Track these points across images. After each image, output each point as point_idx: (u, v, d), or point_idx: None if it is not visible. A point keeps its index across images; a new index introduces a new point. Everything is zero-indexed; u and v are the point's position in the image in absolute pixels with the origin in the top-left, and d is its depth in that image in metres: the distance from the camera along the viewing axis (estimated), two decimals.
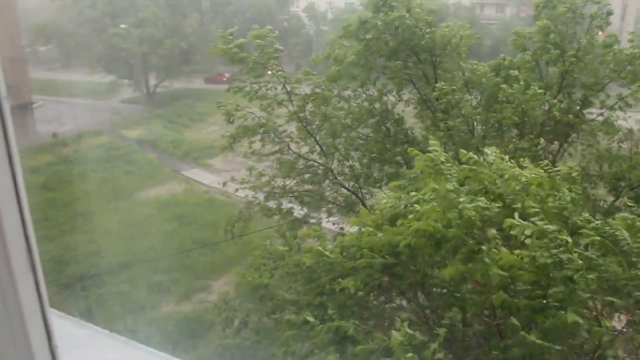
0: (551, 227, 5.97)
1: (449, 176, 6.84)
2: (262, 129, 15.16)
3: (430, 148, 7.30)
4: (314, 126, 15.64)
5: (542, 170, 7.07)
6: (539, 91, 12.27)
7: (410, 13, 14.30)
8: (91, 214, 29.43)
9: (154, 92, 56.78)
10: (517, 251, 6.16)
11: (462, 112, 14.12)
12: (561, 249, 5.92)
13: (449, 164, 7.04)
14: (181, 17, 56.71)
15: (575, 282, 5.90)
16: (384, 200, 7.59)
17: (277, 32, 15.93)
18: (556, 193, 6.75)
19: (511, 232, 6.08)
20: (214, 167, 34.86)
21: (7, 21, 52.08)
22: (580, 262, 5.89)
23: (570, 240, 5.96)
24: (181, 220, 28.79)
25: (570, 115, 13.78)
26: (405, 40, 14.53)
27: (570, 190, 6.96)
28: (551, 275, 6.26)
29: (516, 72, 13.34)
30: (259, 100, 15.15)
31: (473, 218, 6.27)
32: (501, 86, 12.93)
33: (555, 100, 12.94)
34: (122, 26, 51.78)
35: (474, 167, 6.77)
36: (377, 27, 14.54)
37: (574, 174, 7.61)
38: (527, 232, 5.90)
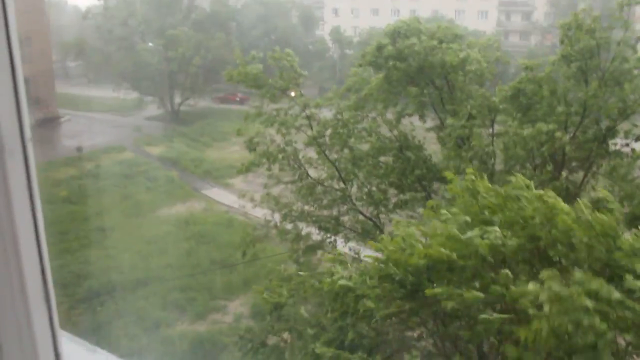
0: (567, 291, 5.31)
1: (482, 202, 6.66)
2: (281, 154, 15.12)
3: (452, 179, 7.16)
4: (334, 152, 15.57)
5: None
6: (550, 127, 11.86)
7: (421, 41, 14.22)
8: (111, 229, 29.64)
9: (178, 110, 57.48)
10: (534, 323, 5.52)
11: (474, 143, 13.92)
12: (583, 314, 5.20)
13: (485, 191, 6.82)
14: (208, 38, 57.49)
15: (599, 350, 5.29)
16: (406, 228, 7.45)
17: (301, 55, 15.95)
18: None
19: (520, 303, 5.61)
20: (235, 187, 34.95)
21: (40, 37, 53.33)
22: (604, 326, 5.22)
23: (590, 305, 5.19)
24: (200, 239, 28.82)
25: (593, 144, 13.45)
26: (419, 67, 14.46)
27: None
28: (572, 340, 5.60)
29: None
30: (278, 125, 15.12)
31: (482, 253, 6.10)
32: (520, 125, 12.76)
33: (567, 138, 12.49)
34: (149, 44, 52.72)
35: (515, 197, 6.53)
36: (391, 54, 14.51)
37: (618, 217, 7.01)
38: (543, 297, 5.33)
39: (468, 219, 6.46)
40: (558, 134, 12.03)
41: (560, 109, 13.09)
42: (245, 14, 69.28)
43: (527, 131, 10.84)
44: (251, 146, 14.98)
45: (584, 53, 13.42)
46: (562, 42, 14.07)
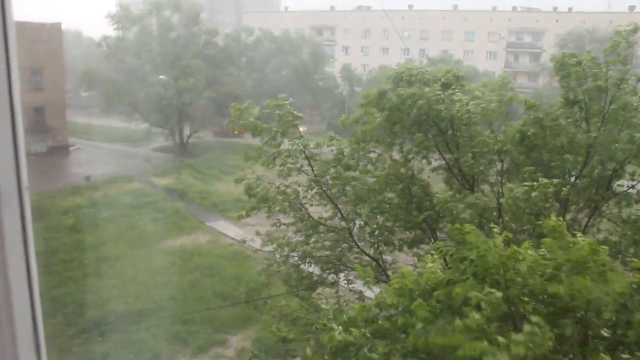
0: None
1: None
2: (281, 196, 15.07)
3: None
4: (335, 191, 15.47)
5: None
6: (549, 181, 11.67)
7: (424, 91, 13.96)
8: (116, 258, 29.59)
9: (187, 142, 57.94)
10: None
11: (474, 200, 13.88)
12: None
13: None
14: (219, 71, 58.26)
15: None
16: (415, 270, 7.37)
17: (311, 91, 15.96)
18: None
19: None
20: (240, 220, 35.01)
21: (54, 66, 54.24)
22: None
23: None
24: (204, 271, 28.69)
25: (598, 186, 13.37)
26: (423, 114, 14.33)
27: None
28: None
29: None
30: (278, 167, 15.09)
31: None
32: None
33: (566, 189, 12.29)
34: (160, 77, 53.43)
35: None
36: (394, 103, 14.45)
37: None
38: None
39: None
40: (564, 191, 11.85)
41: (565, 156, 13.06)
42: (257, 50, 70.36)
43: (534, 193, 10.66)
44: (250, 192, 14.91)
45: (586, 94, 13.40)
46: (561, 82, 14.02)
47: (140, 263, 29.41)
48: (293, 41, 73.83)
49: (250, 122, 14.70)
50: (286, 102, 15.08)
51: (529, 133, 13.45)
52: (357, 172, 15.53)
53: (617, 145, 13.00)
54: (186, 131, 57.74)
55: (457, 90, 14.05)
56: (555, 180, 10.84)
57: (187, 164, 50.40)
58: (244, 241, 16.53)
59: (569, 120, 13.70)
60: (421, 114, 14.08)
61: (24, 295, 1.13)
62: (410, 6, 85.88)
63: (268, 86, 61.35)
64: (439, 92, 13.71)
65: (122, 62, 57.09)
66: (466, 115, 13.27)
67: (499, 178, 14.52)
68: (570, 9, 78.84)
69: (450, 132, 14.45)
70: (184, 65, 53.61)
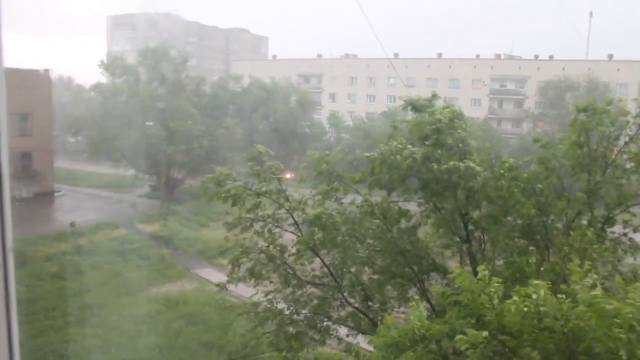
0: None
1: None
2: (270, 263, 14.93)
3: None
4: (322, 248, 15.26)
5: None
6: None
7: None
8: (99, 306, 29.08)
9: (174, 189, 57.77)
10: None
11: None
12: None
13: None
14: (207, 119, 58.61)
15: None
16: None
17: (298, 138, 15.78)
18: None
19: None
20: (227, 267, 34.63)
21: (42, 112, 54.37)
22: None
23: None
24: (189, 319, 28.24)
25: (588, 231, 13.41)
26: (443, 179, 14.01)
27: None
28: None
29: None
30: (259, 230, 14.95)
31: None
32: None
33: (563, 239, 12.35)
34: (148, 123, 53.64)
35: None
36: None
37: None
38: None
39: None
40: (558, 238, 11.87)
41: (561, 203, 13.21)
42: (245, 97, 71.02)
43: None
44: (235, 263, 14.73)
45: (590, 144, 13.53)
46: (571, 125, 13.92)
47: (124, 311, 28.91)
48: (281, 89, 74.72)
49: (230, 194, 14.41)
50: (269, 153, 14.83)
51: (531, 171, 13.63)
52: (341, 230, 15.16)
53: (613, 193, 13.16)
54: (174, 177, 57.69)
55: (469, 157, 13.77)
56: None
57: (173, 211, 50.16)
58: (224, 285, 15.96)
59: (574, 163, 13.78)
60: (439, 178, 13.74)
61: (2, 345, 1.13)
62: (396, 54, 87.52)
63: (256, 134, 61.76)
64: (472, 166, 13.18)
65: (111, 108, 57.35)
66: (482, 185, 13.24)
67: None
68: (551, 57, 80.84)
69: (463, 193, 14.19)
70: (172, 112, 53.90)
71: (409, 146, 13.72)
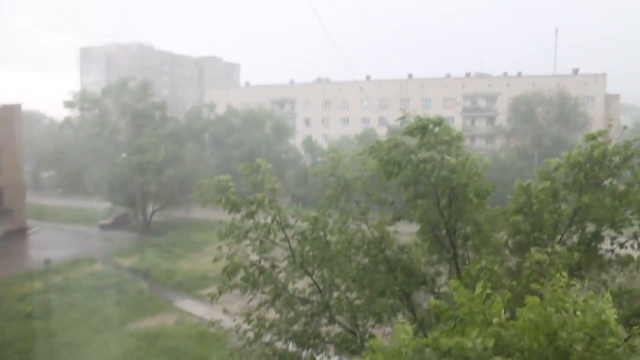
0: None
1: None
2: (258, 272, 14.83)
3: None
4: (311, 264, 15.28)
5: None
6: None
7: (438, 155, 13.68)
8: (77, 345, 28.39)
9: (150, 221, 57.18)
10: None
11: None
12: None
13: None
14: (181, 147, 58.31)
15: None
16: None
17: (273, 163, 15.68)
18: None
19: None
20: (207, 298, 34.22)
21: (12, 148, 53.67)
22: None
23: None
24: (171, 354, 27.72)
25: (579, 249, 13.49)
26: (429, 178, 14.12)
27: None
28: None
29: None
30: (252, 241, 14.87)
31: None
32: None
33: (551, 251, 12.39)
34: (122, 155, 53.16)
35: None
36: (412, 160, 14.15)
37: None
38: None
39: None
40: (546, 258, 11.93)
41: (549, 219, 13.33)
42: (219, 125, 70.94)
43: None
44: (230, 272, 14.60)
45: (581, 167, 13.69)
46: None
47: (103, 349, 28.30)
48: (255, 115, 74.76)
49: (229, 199, 14.45)
50: (267, 166, 14.94)
51: (530, 188, 13.77)
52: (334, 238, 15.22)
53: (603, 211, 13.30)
54: (150, 209, 57.11)
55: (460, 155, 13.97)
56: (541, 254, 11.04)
57: (151, 243, 49.54)
58: (213, 323, 15.91)
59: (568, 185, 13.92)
60: (423, 174, 13.90)
61: None
62: (368, 77, 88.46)
63: (232, 161, 61.56)
64: (452, 161, 13.52)
65: (83, 142, 56.81)
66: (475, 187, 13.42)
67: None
68: (519, 73, 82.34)
69: (446, 198, 14.30)
70: (143, 143, 53.49)
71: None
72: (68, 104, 56.29)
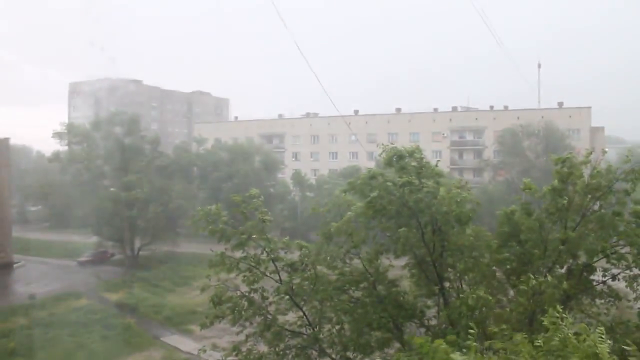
0: None
1: None
2: (251, 308, 14.72)
3: None
4: (302, 297, 15.20)
5: None
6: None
7: (419, 181, 14.01)
8: None
9: (138, 255, 56.64)
10: None
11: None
12: None
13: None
14: (169, 183, 58.16)
15: None
16: None
17: (262, 197, 15.76)
18: None
19: None
20: (195, 333, 33.69)
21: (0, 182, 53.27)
22: None
23: None
24: None
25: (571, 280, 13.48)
26: (409, 205, 14.19)
27: None
28: None
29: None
30: (242, 272, 14.83)
31: None
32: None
33: (540, 280, 12.37)
34: (111, 189, 52.89)
35: None
36: (383, 184, 14.28)
37: None
38: None
39: None
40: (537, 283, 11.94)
41: (537, 252, 13.39)
42: (208, 159, 70.91)
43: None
44: (216, 300, 14.49)
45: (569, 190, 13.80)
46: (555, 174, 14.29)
47: None
48: (245, 149, 74.84)
49: (219, 227, 14.50)
50: (259, 198, 14.98)
51: (514, 217, 13.70)
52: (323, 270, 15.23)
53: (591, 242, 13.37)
54: (138, 244, 56.62)
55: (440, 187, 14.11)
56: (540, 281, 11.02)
57: (139, 277, 49.00)
58: (204, 350, 15.60)
59: (553, 213, 13.98)
60: (408, 205, 13.98)
61: None
62: (356, 111, 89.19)
63: (220, 195, 61.38)
64: (431, 190, 13.70)
65: (73, 176, 56.56)
66: (454, 213, 13.49)
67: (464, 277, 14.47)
68: (505, 107, 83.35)
69: (429, 227, 14.37)
70: (132, 178, 53.31)
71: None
72: (57, 135, 56.24)
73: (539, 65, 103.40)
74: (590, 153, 14.53)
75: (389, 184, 14.15)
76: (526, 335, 6.98)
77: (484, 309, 11.80)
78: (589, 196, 13.72)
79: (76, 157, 57.29)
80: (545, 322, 6.83)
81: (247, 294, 14.94)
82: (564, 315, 6.96)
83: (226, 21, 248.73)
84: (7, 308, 38.96)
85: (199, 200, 58.92)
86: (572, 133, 72.32)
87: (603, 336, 6.61)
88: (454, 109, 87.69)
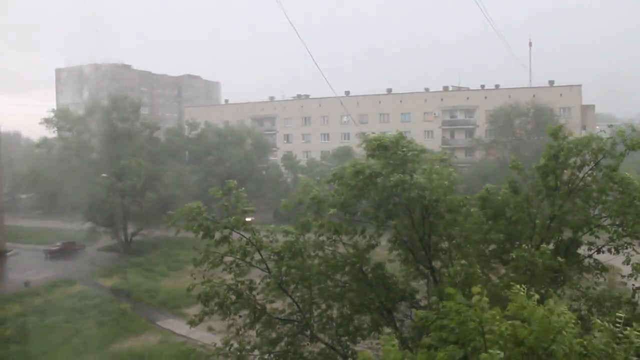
0: None
1: None
2: (239, 300, 14.71)
3: None
4: (290, 284, 15.19)
5: None
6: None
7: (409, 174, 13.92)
8: None
9: (132, 240, 56.61)
10: None
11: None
12: None
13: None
14: (162, 167, 57.91)
15: None
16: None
17: (255, 180, 15.68)
18: None
19: None
20: (191, 316, 33.79)
21: None
22: None
23: None
24: None
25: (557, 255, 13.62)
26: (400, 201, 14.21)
27: None
28: None
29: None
30: (228, 265, 14.80)
31: None
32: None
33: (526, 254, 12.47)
34: (103, 175, 52.65)
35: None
36: (370, 174, 14.27)
37: None
38: None
39: None
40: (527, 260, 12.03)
41: (525, 229, 13.51)
42: (199, 143, 70.64)
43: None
44: (204, 299, 14.47)
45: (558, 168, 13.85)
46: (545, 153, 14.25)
47: None
48: (236, 133, 74.62)
49: (201, 225, 14.34)
50: (240, 189, 14.89)
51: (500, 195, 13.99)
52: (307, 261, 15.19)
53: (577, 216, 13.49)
54: (131, 229, 56.55)
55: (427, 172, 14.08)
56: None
57: (133, 263, 49.05)
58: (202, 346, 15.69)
59: (536, 190, 14.08)
60: (396, 194, 13.99)
61: None
62: (347, 92, 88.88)
63: (212, 178, 61.28)
64: (421, 180, 13.58)
65: (63, 162, 56.15)
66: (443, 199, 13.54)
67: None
68: (496, 86, 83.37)
69: (418, 213, 14.39)
70: (125, 164, 53.05)
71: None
72: (46, 121, 55.73)
73: (530, 43, 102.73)
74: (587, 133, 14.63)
75: (378, 181, 14.20)
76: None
77: (468, 279, 11.89)
78: (578, 173, 13.81)
79: (66, 144, 56.87)
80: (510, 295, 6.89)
81: (233, 287, 14.90)
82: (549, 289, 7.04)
83: (214, 4, 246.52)
84: (2, 296, 38.97)
85: (191, 184, 58.77)
86: (563, 111, 72.51)
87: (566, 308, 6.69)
88: (445, 88, 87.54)
